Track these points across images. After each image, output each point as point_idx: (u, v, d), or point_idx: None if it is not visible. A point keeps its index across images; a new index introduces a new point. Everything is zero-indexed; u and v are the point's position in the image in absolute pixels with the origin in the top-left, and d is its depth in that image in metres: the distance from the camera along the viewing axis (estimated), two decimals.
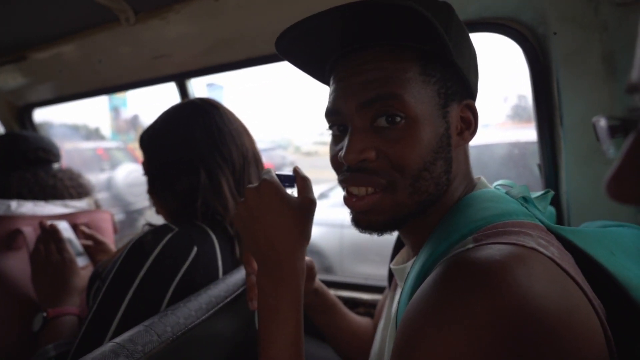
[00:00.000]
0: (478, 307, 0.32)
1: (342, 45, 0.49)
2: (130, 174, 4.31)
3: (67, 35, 1.05)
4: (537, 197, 0.52)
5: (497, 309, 0.31)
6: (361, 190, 0.48)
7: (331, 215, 2.54)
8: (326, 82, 0.57)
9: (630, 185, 0.17)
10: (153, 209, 0.85)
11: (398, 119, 0.45)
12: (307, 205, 0.55)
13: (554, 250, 0.39)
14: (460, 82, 0.50)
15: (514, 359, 0.30)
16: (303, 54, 0.53)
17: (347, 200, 0.50)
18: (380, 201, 0.47)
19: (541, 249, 0.37)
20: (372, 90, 0.46)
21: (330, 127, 0.53)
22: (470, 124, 0.51)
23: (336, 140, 0.52)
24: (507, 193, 0.51)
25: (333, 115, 0.51)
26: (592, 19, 0.67)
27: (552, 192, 0.55)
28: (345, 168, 0.49)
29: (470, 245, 0.39)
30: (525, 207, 0.48)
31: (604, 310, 0.37)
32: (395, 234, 0.75)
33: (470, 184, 0.53)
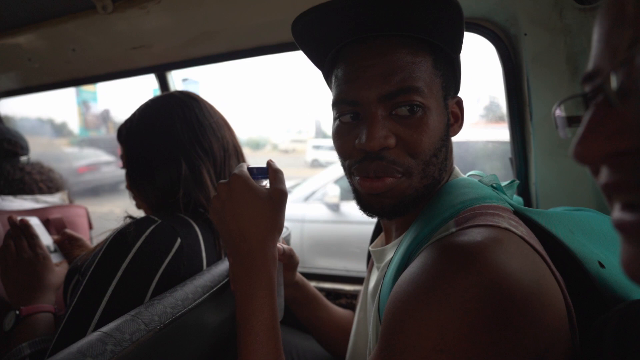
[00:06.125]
0: (464, 285, 0.36)
1: (358, 30, 0.49)
2: None
3: (37, 21, 1.00)
4: (505, 186, 0.57)
5: (480, 285, 0.35)
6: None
7: (293, 211, 2.62)
8: (326, 67, 0.57)
9: (592, 148, 0.21)
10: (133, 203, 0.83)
11: (416, 108, 0.48)
12: (277, 196, 0.57)
13: (523, 229, 0.43)
14: (454, 78, 0.53)
15: (495, 327, 0.34)
16: (315, 37, 0.53)
17: (363, 183, 0.50)
18: (397, 184, 0.49)
19: (513, 229, 0.41)
20: (394, 83, 0.47)
21: (339, 116, 0.52)
22: (458, 118, 0.56)
23: (346, 128, 0.52)
24: (480, 181, 0.55)
25: (350, 105, 0.50)
26: (558, 23, 0.72)
27: (517, 182, 0.60)
28: (363, 156, 0.49)
29: (453, 229, 0.42)
30: (496, 193, 0.52)
31: (563, 281, 0.41)
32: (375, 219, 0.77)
33: (452, 173, 0.57)
